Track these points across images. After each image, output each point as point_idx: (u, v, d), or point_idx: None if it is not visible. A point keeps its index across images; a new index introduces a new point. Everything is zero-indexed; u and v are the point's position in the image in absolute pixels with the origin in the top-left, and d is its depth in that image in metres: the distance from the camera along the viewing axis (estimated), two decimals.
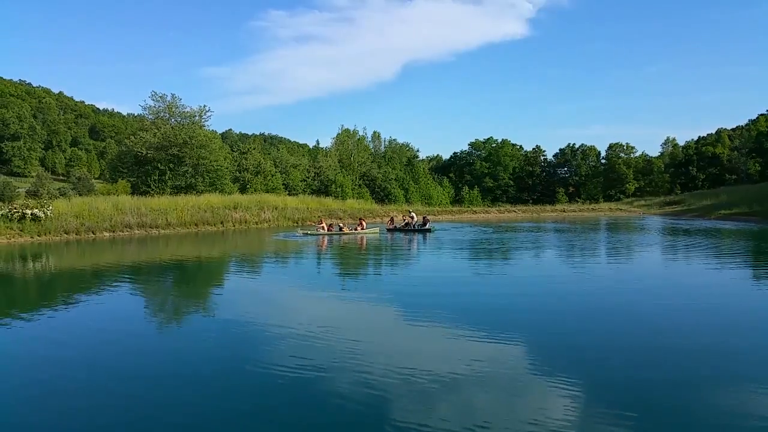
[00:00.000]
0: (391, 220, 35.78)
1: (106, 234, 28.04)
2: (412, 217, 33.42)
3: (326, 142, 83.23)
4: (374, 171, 67.81)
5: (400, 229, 32.36)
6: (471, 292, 12.81)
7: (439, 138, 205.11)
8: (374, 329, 9.39)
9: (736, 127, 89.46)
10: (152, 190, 42.97)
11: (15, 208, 26.51)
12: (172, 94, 48.09)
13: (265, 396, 6.21)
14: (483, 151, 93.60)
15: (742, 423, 5.50)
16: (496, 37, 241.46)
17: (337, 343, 8.23)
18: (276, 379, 6.68)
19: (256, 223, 36.41)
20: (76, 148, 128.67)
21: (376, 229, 31.43)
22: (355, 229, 30.42)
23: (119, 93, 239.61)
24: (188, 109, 48.29)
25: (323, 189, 59.10)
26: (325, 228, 29.60)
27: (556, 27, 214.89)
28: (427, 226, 32.42)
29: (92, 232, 27.64)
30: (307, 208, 41.99)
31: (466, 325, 9.22)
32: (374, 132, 79.94)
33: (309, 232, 28.90)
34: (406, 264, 19.25)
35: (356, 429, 5.42)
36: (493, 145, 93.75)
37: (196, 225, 32.73)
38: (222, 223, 34.35)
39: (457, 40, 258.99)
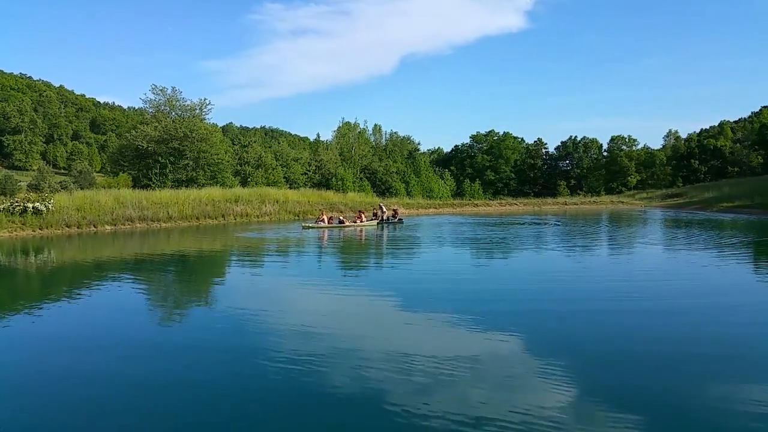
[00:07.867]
0: (359, 213, 35.37)
1: (108, 227, 28.11)
2: (383, 210, 34.11)
3: (327, 136, 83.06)
4: (375, 164, 67.61)
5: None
6: (467, 285, 12.85)
7: (440, 131, 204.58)
8: (374, 321, 9.45)
9: (739, 119, 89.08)
10: (153, 183, 42.99)
11: (17, 202, 26.59)
12: (173, 88, 48.16)
13: (267, 388, 6.26)
14: (484, 144, 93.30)
15: (744, 413, 5.54)
16: (494, 30, 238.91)
17: (336, 336, 8.30)
18: (278, 367, 6.73)
19: (258, 216, 36.45)
20: (77, 142, 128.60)
21: (374, 222, 32.10)
22: (354, 222, 31.28)
23: (119, 86, 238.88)
24: (188, 103, 48.42)
25: (324, 182, 59.02)
26: (326, 221, 29.92)
27: (554, 19, 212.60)
28: (397, 219, 33.75)
29: (94, 226, 27.70)
30: (308, 202, 42.02)
31: (462, 317, 9.26)
32: (375, 125, 79.17)
33: (311, 225, 29.18)
34: (402, 257, 19.28)
35: (360, 418, 5.46)
36: (495, 138, 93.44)
37: (197, 218, 32.79)
38: (223, 216, 34.40)
39: (454, 33, 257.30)
